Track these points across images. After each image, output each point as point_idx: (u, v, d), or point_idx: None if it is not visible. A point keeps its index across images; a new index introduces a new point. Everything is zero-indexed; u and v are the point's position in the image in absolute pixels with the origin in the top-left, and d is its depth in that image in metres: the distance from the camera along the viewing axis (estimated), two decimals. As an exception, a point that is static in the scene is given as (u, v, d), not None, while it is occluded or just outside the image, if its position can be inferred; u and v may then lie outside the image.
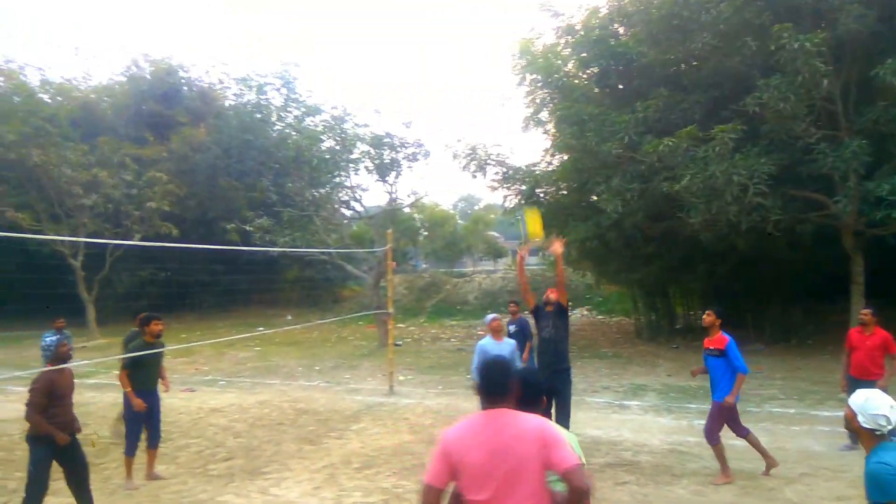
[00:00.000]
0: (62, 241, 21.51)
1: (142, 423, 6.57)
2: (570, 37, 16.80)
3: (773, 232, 12.57)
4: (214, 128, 28.06)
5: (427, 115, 63.24)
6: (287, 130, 23.30)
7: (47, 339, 9.30)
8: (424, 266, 48.16)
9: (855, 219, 12.68)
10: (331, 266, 27.21)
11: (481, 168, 17.29)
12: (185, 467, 7.17)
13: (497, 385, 2.64)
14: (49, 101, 28.63)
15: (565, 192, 17.40)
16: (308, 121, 22.78)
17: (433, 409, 9.95)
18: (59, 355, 5.36)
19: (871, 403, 2.76)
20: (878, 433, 2.72)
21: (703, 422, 6.65)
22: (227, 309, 28.60)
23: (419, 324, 24.25)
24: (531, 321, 7.69)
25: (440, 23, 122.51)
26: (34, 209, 22.31)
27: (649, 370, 13.32)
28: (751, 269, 16.29)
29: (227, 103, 30.48)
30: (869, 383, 6.32)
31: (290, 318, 24.98)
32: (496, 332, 7.62)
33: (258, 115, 23.57)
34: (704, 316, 6.50)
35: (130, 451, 6.54)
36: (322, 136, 22.32)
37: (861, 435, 2.81)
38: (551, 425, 2.71)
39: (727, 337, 6.19)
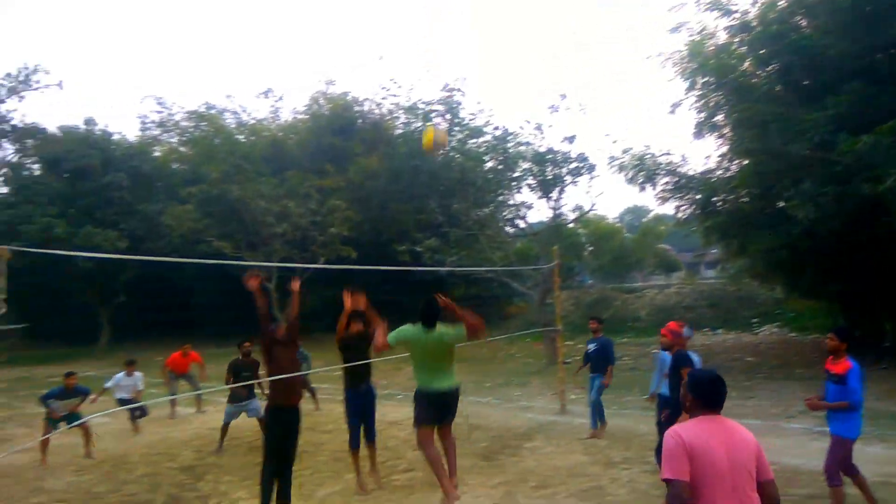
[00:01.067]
0: (259, 266, 23.94)
1: (359, 419, 7.10)
2: (745, 34, 15.66)
3: None
4: (385, 156, 29.75)
5: (590, 127, 62.05)
6: (452, 153, 24.12)
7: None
8: (591, 282, 47.05)
9: None
10: (496, 283, 27.54)
11: (650, 179, 16.61)
12: (370, 477, 7.56)
13: (720, 395, 3.03)
14: (244, 140, 32.17)
15: (746, 200, 16.16)
16: (471, 143, 23.40)
17: (608, 430, 9.61)
18: None
19: None
20: None
21: None
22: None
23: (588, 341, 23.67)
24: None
25: (601, 33, 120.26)
26: (234, 238, 25.06)
27: (855, 394, 11.84)
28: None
29: (396, 132, 32.22)
30: None
31: (459, 335, 25.57)
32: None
33: (425, 141, 24.71)
34: (827, 339, 5.74)
35: (354, 445, 7.08)
36: (485, 157, 22.79)
37: None
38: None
39: (851, 363, 5.46)
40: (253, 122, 35.65)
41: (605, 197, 65.32)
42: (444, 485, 5.44)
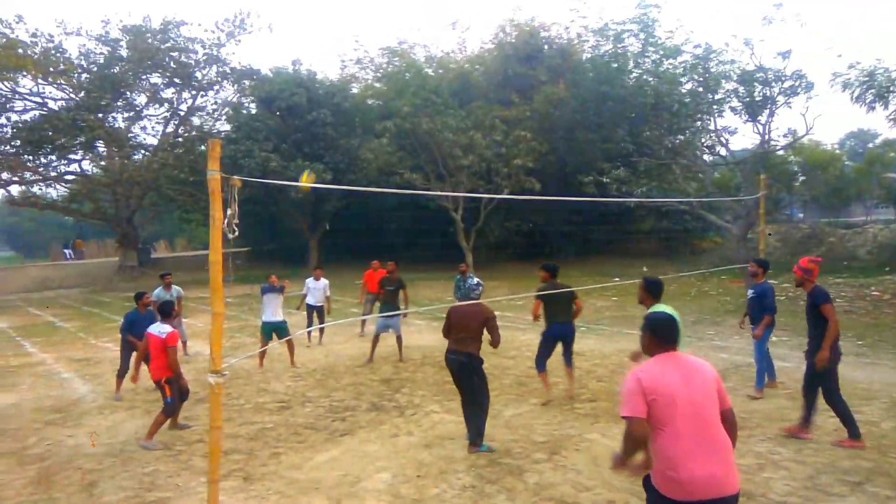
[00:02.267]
0: (446, 196, 24.82)
1: (550, 347, 7.87)
2: None
3: None
4: (572, 83, 28.74)
5: (810, 41, 54.47)
6: (645, 77, 22.59)
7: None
8: (801, 215, 42.47)
9: None
10: (690, 216, 25.93)
11: (882, 97, 14.39)
12: (555, 402, 7.74)
13: (675, 333, 3.28)
14: (432, 73, 32.86)
15: None
16: (667, 64, 21.69)
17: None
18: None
19: None
20: None
21: None
22: (585, 258, 29.56)
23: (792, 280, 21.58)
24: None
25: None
26: (424, 170, 26.10)
27: None
28: None
29: (584, 57, 30.88)
30: None
31: (645, 269, 24.68)
32: None
33: (615, 65, 23.34)
34: None
35: (540, 368, 7.85)
36: (682, 79, 21.09)
37: None
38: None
39: None
40: (441, 55, 36.23)
41: (824, 120, 57.16)
42: None
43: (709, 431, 3.00)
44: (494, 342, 6.35)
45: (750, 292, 8.29)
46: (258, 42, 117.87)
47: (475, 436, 6.19)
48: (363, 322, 13.73)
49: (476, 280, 6.93)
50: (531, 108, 28.22)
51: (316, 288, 12.38)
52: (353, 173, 28.95)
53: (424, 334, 13.62)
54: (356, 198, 30.02)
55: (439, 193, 23.30)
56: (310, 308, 12.38)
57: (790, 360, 9.77)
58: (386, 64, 34.85)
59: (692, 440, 2.98)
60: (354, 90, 36.14)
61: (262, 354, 10.52)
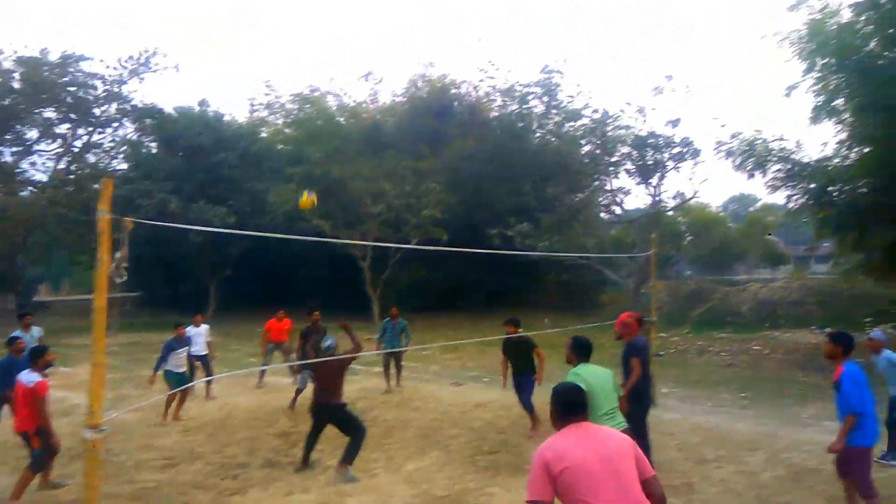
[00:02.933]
0: (354, 244, 24.70)
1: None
2: (873, 12, 14.44)
3: None
4: (481, 138, 29.76)
5: (696, 111, 59.37)
6: (548, 137, 23.77)
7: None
8: (689, 273, 45.22)
9: None
10: (589, 271, 27.04)
11: (760, 165, 15.75)
12: (456, 455, 7.69)
13: (582, 404, 3.10)
14: (344, 122, 33.04)
15: (865, 191, 14.98)
16: (568, 126, 22.96)
17: (702, 427, 9.28)
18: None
19: None
20: None
21: None
22: (492, 309, 30.01)
23: (683, 334, 22.78)
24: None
25: (710, 10, 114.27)
26: (333, 217, 25.90)
27: None
28: None
29: (492, 115, 32.13)
30: None
31: (547, 321, 25.33)
32: (875, 350, 7.55)
33: (521, 124, 24.44)
34: (824, 344, 5.53)
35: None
36: (582, 141, 22.32)
37: None
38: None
39: (843, 367, 5.23)
40: (353, 104, 36.61)
41: (709, 184, 62.18)
42: None
43: (629, 498, 2.78)
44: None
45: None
46: (163, 81, 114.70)
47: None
48: (262, 373, 13.22)
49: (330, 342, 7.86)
50: (441, 161, 28.88)
51: (198, 334, 11.77)
52: (259, 218, 28.32)
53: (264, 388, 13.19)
54: (261, 243, 29.24)
55: (347, 242, 23.17)
56: (193, 358, 11.38)
57: (679, 411, 10.23)
58: (297, 110, 34.78)
59: None
60: (263, 134, 35.71)
61: (168, 405, 9.86)
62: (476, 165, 29.01)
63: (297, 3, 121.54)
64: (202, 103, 32.72)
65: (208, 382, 11.81)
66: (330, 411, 7.23)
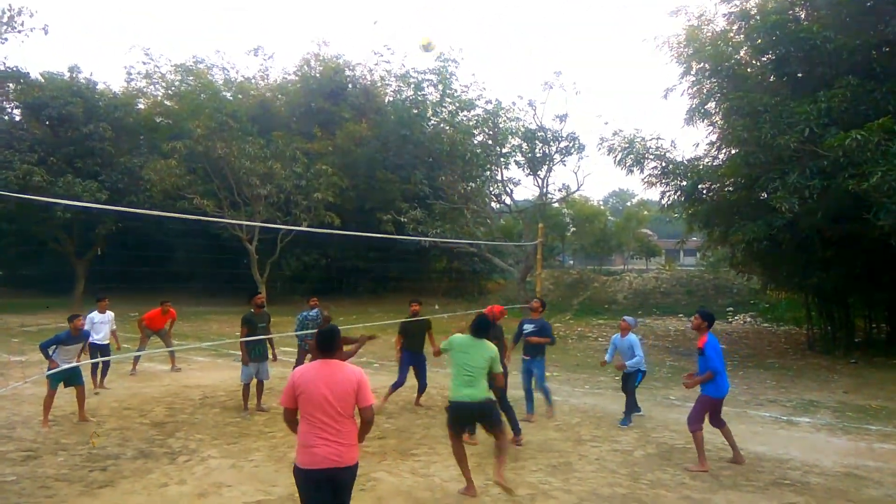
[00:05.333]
0: (240, 225, 23.68)
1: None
2: (743, 22, 15.61)
3: None
4: (374, 123, 29.41)
5: (582, 108, 61.80)
6: (442, 125, 23.87)
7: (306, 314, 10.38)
8: (571, 262, 47.27)
9: None
10: (478, 258, 27.55)
11: (638, 162, 16.60)
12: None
13: (330, 343, 4.13)
14: (230, 97, 31.53)
15: (731, 189, 16.21)
16: (462, 115, 23.15)
17: (580, 409, 9.74)
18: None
19: None
20: None
21: (887, 445, 6.95)
22: (380, 295, 29.94)
23: (565, 321, 23.86)
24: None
25: (597, 11, 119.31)
26: (217, 197, 24.70)
27: (822, 385, 12.09)
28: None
29: (386, 99, 31.83)
30: None
31: (437, 307, 25.64)
32: (624, 331, 8.93)
33: (415, 111, 24.36)
34: (693, 319, 7.16)
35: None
36: (475, 131, 22.59)
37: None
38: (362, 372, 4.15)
39: (707, 337, 6.78)
40: (241, 79, 34.98)
41: (592, 179, 65.21)
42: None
43: (332, 420, 3.93)
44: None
45: (529, 327, 8.98)
46: (31, 44, 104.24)
47: None
48: (136, 360, 12.42)
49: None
50: (333, 144, 28.28)
51: (102, 322, 10.81)
52: (134, 195, 26.49)
53: (208, 371, 12.68)
54: (135, 221, 27.31)
55: (233, 222, 22.19)
56: (94, 347, 10.35)
57: (559, 394, 10.65)
58: (179, 82, 32.77)
59: (318, 424, 3.92)
60: (141, 106, 33.38)
61: (48, 409, 8.36)
62: (369, 150, 28.67)
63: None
64: (73, 69, 30.02)
65: (103, 373, 10.88)
66: None
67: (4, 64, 29.20)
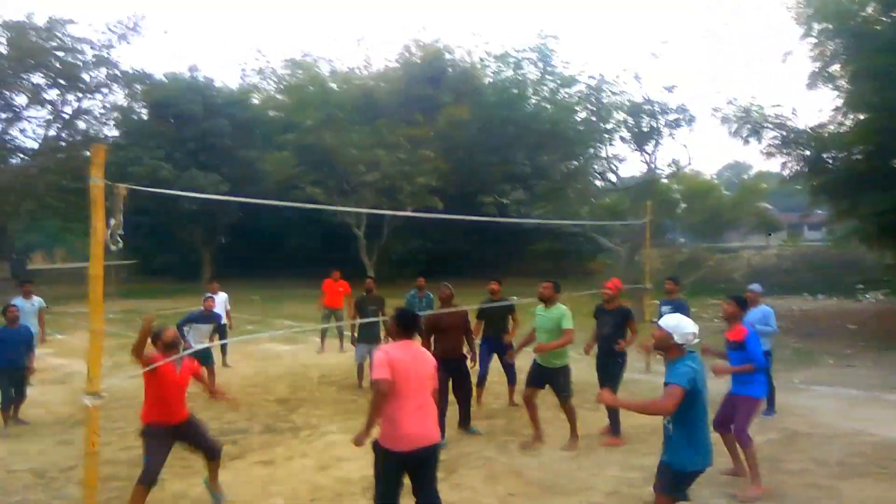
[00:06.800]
0: (349, 212, 24.62)
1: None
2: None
3: None
4: (475, 105, 29.47)
5: (693, 76, 58.76)
6: (542, 104, 23.56)
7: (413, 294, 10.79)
8: (682, 240, 45.31)
9: None
10: (583, 238, 27.06)
11: (756, 132, 15.72)
12: (450, 422, 7.77)
13: (414, 327, 4.34)
14: (336, 88, 32.62)
15: (860, 157, 14.96)
16: (563, 92, 22.72)
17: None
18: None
19: (682, 324, 4.09)
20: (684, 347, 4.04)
21: None
22: (485, 277, 30.08)
23: (677, 301, 22.95)
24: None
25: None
26: (326, 185, 25.76)
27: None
28: None
29: (486, 81, 31.77)
30: None
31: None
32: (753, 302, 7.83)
33: (515, 91, 24.18)
34: (725, 304, 5.95)
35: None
36: (577, 108, 22.11)
37: (672, 349, 4.07)
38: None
39: (747, 328, 5.74)
40: (346, 70, 36.08)
41: (705, 151, 61.81)
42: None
43: (423, 399, 4.11)
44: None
45: (666, 308, 8.71)
46: (153, 46, 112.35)
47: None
48: (322, 337, 13.26)
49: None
50: (434, 128, 28.63)
51: (217, 303, 11.65)
52: (252, 186, 28.14)
53: (325, 352, 13.35)
54: (254, 211, 29.08)
55: (342, 209, 23.07)
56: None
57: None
58: (289, 76, 34.33)
59: (412, 404, 4.03)
60: (255, 101, 35.27)
61: None
62: (470, 133, 28.77)
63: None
64: (192, 69, 32.28)
65: (223, 352, 11.63)
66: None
67: (132, 68, 31.77)
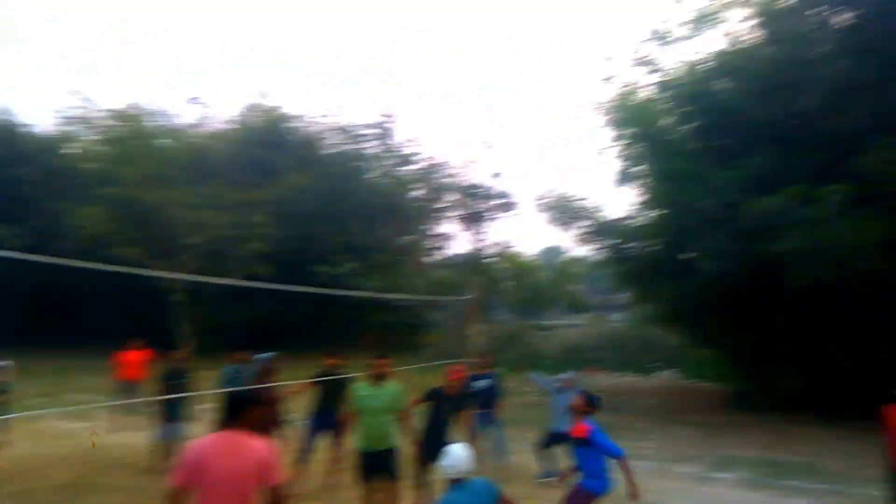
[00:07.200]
0: (166, 277, 22.91)
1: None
2: (669, 91, 16.61)
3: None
4: (314, 175, 29.42)
5: (519, 165, 63.69)
6: (381, 179, 24.15)
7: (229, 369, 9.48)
8: (506, 316, 47.66)
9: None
10: (413, 312, 27.48)
11: (571, 221, 17.18)
12: None
13: (229, 413, 3.57)
14: (166, 144, 30.96)
15: (657, 248, 16.92)
16: (402, 170, 23.51)
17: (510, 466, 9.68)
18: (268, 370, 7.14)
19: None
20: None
21: (803, 501, 6.82)
22: (315, 349, 29.20)
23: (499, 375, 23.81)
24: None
25: (531, 73, 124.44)
26: (146, 246, 23.91)
27: (743, 441, 12.46)
28: (856, 337, 15.11)
29: (327, 152, 31.97)
30: None
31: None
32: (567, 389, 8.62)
33: (355, 164, 24.58)
34: (575, 398, 6.07)
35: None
36: (413, 185, 22.94)
37: None
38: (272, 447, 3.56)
39: (590, 425, 5.74)
40: (178, 127, 34.45)
41: (528, 234, 66.83)
42: None
43: (232, 501, 3.37)
44: None
45: (480, 383, 9.04)
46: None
47: None
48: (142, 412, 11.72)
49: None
50: (271, 194, 28.06)
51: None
52: (58, 242, 25.38)
53: (121, 431, 11.99)
54: (60, 271, 26.01)
55: (156, 273, 21.45)
56: None
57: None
58: (113, 127, 32.02)
59: None
60: (72, 150, 32.36)
61: None
62: (307, 201, 28.53)
63: (123, 19, 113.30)
64: (2, 111, 29.06)
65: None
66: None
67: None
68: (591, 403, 5.96)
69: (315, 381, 8.08)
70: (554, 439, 8.46)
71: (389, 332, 32.76)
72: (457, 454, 4.03)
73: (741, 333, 16.09)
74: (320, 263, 23.19)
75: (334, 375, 8.08)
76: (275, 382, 7.13)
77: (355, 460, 6.23)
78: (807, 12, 13.47)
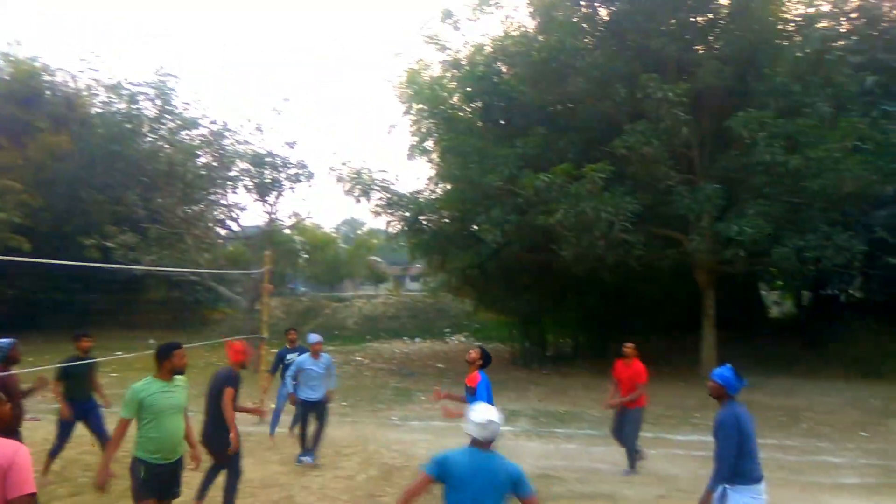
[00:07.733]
0: None
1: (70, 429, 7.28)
2: (455, 70, 17.32)
3: (636, 266, 13.50)
4: (78, 136, 26.06)
5: (312, 135, 62.37)
6: (160, 143, 22.11)
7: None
8: (304, 290, 46.99)
9: (707, 256, 13.88)
10: (201, 287, 25.85)
11: (366, 193, 17.30)
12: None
13: None
14: None
15: (448, 221, 17.74)
16: (184, 134, 21.69)
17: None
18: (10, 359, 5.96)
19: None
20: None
21: (571, 445, 6.94)
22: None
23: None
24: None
25: (331, 41, 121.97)
26: None
27: (521, 395, 13.71)
28: (618, 301, 17.36)
29: (94, 111, 28.42)
30: (632, 410, 7.40)
31: (152, 341, 23.36)
32: (315, 353, 8.33)
33: (128, 126, 22.16)
34: (470, 352, 6.49)
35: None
36: (198, 151, 21.35)
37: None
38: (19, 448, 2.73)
39: (481, 376, 6.23)
40: None
41: (324, 207, 66.05)
42: None
43: None
44: None
45: (292, 356, 8.86)
46: None
47: None
48: None
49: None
50: (25, 157, 24.38)
51: None
52: None
53: None
54: None
55: None
56: None
57: (283, 424, 10.44)
58: None
59: None
60: None
61: None
62: (71, 166, 25.26)
63: None
64: None
65: None
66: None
67: None
68: (484, 357, 6.41)
69: (64, 369, 7.34)
70: (305, 408, 8.26)
71: (172, 308, 30.59)
72: (498, 416, 3.57)
73: (521, 298, 17.59)
74: (88, 236, 20.72)
75: (87, 360, 7.36)
76: (16, 372, 6.07)
77: (143, 480, 4.90)
78: (575, 5, 14.83)
